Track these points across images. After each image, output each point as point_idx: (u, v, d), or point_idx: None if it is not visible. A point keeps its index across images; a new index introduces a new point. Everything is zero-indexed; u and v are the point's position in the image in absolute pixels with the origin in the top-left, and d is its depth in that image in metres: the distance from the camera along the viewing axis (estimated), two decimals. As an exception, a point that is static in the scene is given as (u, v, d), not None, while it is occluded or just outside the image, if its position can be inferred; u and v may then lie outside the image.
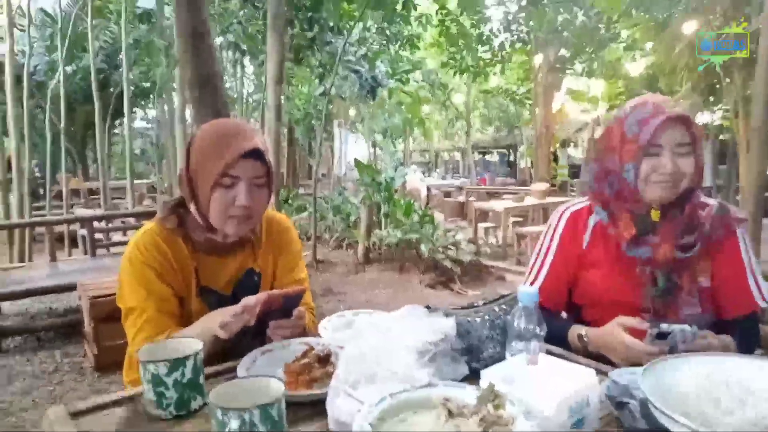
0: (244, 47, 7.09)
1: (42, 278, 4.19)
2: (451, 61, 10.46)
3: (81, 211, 6.90)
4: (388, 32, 8.49)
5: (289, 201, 7.29)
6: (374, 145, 13.37)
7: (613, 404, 0.89)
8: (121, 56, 7.58)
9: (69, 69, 8.64)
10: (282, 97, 6.33)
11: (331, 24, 7.10)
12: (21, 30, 7.89)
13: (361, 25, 7.85)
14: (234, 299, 1.31)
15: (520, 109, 19.89)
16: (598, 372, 0.92)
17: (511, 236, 6.90)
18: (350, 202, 7.01)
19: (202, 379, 1.04)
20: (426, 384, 0.85)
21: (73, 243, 5.90)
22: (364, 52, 7.52)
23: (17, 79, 6.71)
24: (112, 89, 9.55)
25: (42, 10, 9.54)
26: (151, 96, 12.98)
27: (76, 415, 0.99)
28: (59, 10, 7.06)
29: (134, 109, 12.25)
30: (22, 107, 6.52)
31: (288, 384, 1.04)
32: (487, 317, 1.07)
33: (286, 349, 1.24)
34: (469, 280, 5.42)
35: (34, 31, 8.99)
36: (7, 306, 4.40)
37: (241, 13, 7.41)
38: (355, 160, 6.79)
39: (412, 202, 6.72)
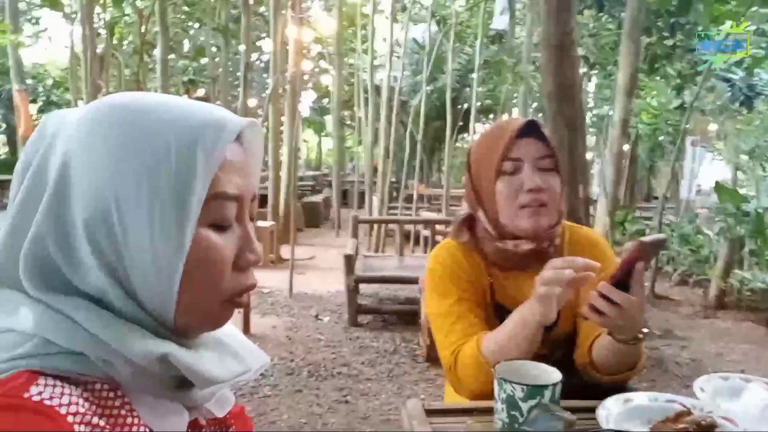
0: (593, 60, 6.80)
1: (391, 268, 4.83)
2: None
3: (426, 214, 7.78)
4: (773, 32, 6.93)
5: (626, 224, 6.65)
6: (737, 168, 11.14)
7: None
8: (472, 75, 8.23)
9: (428, 89, 9.85)
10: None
11: (700, 29, 6.17)
12: (397, 58, 9.39)
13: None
14: None
15: None
16: None
17: None
18: (703, 233, 5.97)
19: (558, 414, 0.94)
20: None
21: (416, 241, 6.66)
22: (739, 58, 6.31)
23: (389, 99, 8.00)
24: (459, 106, 10.51)
25: (413, 39, 11.16)
26: (491, 113, 13.82)
27: (430, 413, 1.02)
28: (428, 37, 8.11)
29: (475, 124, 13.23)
30: (390, 123, 7.72)
31: (658, 449, 0.83)
32: None
33: (654, 403, 1.03)
34: None
35: (405, 57, 10.59)
36: (363, 287, 5.22)
37: (593, 25, 7.14)
38: (717, 183, 5.72)
39: (792, 241, 5.29)
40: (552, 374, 0.96)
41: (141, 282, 0.49)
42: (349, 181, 12.42)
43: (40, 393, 0.44)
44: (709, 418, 0.91)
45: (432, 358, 3.51)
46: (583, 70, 7.36)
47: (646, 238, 1.00)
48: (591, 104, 11.65)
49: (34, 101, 14.98)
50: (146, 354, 0.48)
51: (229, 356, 0.58)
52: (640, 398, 1.05)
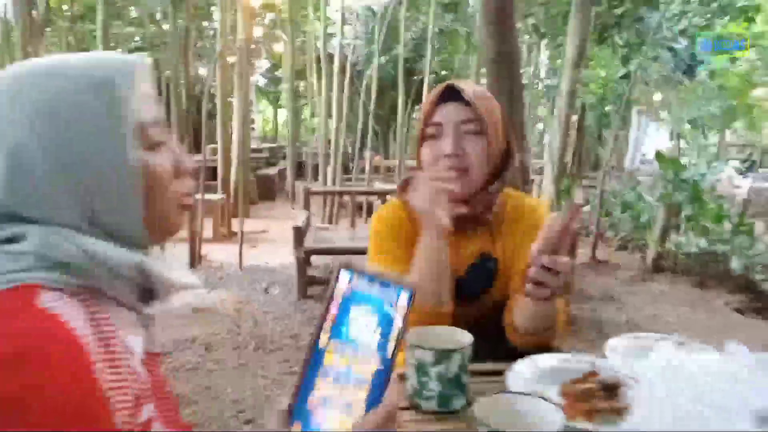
0: (543, 30, 6.85)
1: (343, 240, 4.83)
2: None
3: (378, 185, 7.76)
4: (715, 4, 7.12)
5: (571, 192, 6.83)
6: (679, 137, 11.54)
7: None
8: (427, 45, 8.15)
9: (383, 59, 9.70)
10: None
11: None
12: (350, 26, 9.18)
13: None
14: (466, 283, 1.22)
15: None
16: None
17: None
18: (644, 200, 6.20)
19: (466, 378, 0.96)
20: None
21: (369, 213, 6.66)
22: (683, 27, 6.46)
23: (342, 69, 7.86)
24: (415, 77, 10.42)
25: (367, 6, 10.91)
26: (448, 82, 13.73)
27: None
28: (381, 4, 7.95)
29: (431, 95, 13.13)
30: (343, 93, 7.60)
31: (563, 409, 0.86)
32: None
33: (564, 364, 1.06)
34: (802, 313, 4.22)
35: (359, 26, 10.38)
36: (315, 259, 5.20)
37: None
38: (657, 152, 5.92)
39: (724, 206, 5.56)
40: (463, 338, 0.97)
41: (107, 213, 0.61)
42: (305, 152, 12.24)
43: (43, 303, 0.54)
44: (615, 377, 0.94)
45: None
46: (533, 40, 7.42)
47: (578, 201, 0.98)
48: (543, 74, 11.77)
49: (-36, 69, 13.99)
50: (126, 262, 0.60)
51: (179, 269, 0.69)
52: (550, 360, 1.07)
